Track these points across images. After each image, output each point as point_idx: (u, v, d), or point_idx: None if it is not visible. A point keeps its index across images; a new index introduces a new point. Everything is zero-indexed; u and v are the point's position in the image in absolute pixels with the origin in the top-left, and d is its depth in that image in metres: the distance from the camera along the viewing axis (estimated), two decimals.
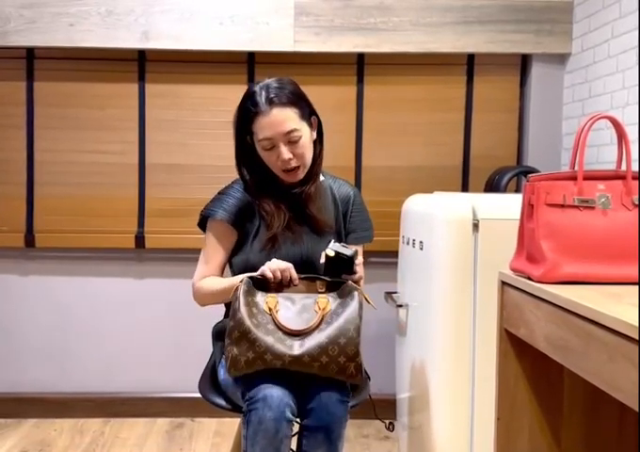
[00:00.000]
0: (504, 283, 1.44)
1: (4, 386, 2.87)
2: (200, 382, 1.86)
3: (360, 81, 2.82)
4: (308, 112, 1.76)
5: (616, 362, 0.97)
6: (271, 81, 1.74)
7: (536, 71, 2.78)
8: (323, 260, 1.66)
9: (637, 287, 1.22)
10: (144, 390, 2.89)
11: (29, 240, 2.80)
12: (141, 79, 2.81)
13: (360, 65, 2.81)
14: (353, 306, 1.61)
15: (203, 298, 1.83)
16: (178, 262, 2.85)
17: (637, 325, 0.91)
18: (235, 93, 2.79)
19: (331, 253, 1.63)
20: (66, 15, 2.65)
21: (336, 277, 1.67)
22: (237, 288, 1.63)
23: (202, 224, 1.87)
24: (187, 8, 2.68)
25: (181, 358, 2.86)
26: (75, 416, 2.85)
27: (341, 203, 1.87)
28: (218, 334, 1.85)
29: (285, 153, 1.71)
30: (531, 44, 2.72)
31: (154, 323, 2.88)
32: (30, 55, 2.78)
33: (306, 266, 1.75)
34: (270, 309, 1.61)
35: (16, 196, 2.82)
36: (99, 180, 2.82)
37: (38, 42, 2.67)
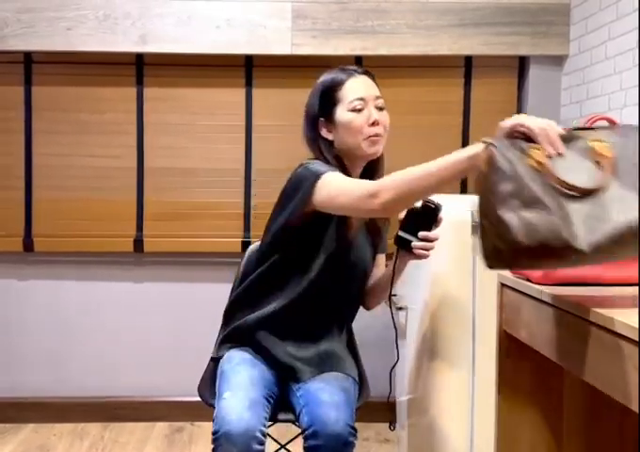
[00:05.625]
0: (503, 285, 1.44)
1: (3, 391, 2.86)
2: (199, 386, 1.86)
3: None
4: None
5: (616, 363, 0.97)
6: None
7: (534, 73, 2.78)
8: (402, 214, 1.62)
9: (635, 288, 1.22)
10: (143, 394, 2.88)
11: (28, 244, 2.80)
12: (139, 83, 2.80)
13: None
14: None
15: (402, 192, 1.48)
16: (177, 266, 2.85)
17: (636, 326, 0.91)
18: (233, 96, 2.83)
19: (418, 202, 1.57)
20: (63, 19, 2.65)
21: (414, 232, 1.60)
22: (490, 157, 1.18)
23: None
24: (184, 12, 2.68)
25: (180, 361, 2.85)
26: (75, 421, 2.84)
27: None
28: (229, 316, 1.79)
29: (375, 113, 1.73)
30: (528, 46, 2.72)
31: (153, 327, 2.87)
32: (28, 59, 2.78)
33: (355, 279, 1.77)
34: (540, 163, 1.13)
35: (14, 200, 2.81)
36: (97, 184, 2.82)
37: (35, 47, 2.67)
